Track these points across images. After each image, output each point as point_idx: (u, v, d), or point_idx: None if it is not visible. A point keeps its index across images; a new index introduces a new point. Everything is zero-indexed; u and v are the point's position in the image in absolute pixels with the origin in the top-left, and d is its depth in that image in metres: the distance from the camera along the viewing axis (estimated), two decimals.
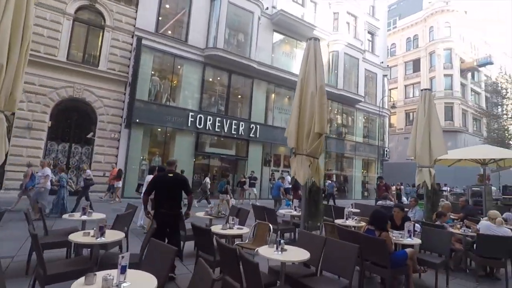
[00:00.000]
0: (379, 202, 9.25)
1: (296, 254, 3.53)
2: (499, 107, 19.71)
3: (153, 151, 14.61)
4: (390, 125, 37.82)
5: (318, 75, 5.22)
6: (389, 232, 4.74)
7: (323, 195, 20.01)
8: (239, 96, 18.11)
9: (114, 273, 2.36)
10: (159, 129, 14.88)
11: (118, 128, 13.17)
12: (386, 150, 26.24)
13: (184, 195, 4.61)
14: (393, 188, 21.34)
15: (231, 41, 16.97)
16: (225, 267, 3.49)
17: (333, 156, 23.26)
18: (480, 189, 9.22)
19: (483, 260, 5.02)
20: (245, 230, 4.85)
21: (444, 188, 15.14)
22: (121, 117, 13.30)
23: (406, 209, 8.55)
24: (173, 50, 14.65)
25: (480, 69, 35.92)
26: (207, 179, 12.91)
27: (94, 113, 12.78)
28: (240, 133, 16.44)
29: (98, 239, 3.52)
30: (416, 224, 6.09)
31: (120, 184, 11.51)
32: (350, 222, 5.89)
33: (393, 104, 26.53)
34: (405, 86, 37.51)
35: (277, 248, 3.50)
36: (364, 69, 24.23)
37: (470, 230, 5.54)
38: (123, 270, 2.37)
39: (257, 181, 15.53)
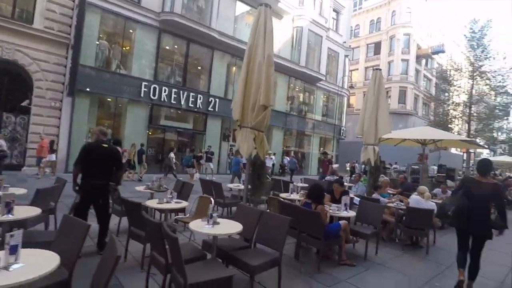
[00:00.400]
0: (327, 178, 9.58)
1: (228, 227, 3.44)
2: (446, 93, 21.16)
3: (101, 123, 13.62)
4: (349, 105, 39.11)
5: (267, 44, 4.98)
6: (328, 206, 4.87)
7: (281, 171, 20.65)
8: (199, 68, 17.37)
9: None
10: (108, 99, 13.83)
11: (60, 96, 11.97)
12: (343, 129, 27.24)
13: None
14: (348, 165, 22.54)
15: (190, 7, 15.95)
16: (152, 242, 3.31)
17: (294, 134, 23.66)
18: (419, 167, 9.91)
19: (409, 231, 5.39)
20: (184, 204, 4.68)
21: (394, 166, 16.13)
22: (63, 84, 12.07)
23: (351, 184, 8.99)
24: (124, 12, 13.36)
25: (433, 56, 37.99)
26: (172, 154, 12.62)
27: (30, 78, 11.40)
28: (198, 106, 15.89)
29: (4, 216, 3.12)
30: (356, 198, 6.38)
31: (53, 157, 10.53)
32: (294, 196, 5.98)
33: (351, 85, 27.21)
34: (366, 68, 38.60)
35: (208, 222, 3.38)
36: (327, 47, 24.37)
37: (402, 204, 5.90)
38: (12, 251, 2.07)
39: (214, 156, 15.31)
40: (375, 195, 6.22)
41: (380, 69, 8.36)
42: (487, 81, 19.02)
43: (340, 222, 4.37)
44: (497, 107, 19.09)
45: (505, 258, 5.32)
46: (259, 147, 4.99)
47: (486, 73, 18.41)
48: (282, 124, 21.34)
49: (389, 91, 35.28)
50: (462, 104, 19.26)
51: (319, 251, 4.35)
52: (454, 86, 19.79)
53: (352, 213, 4.88)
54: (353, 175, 11.61)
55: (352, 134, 34.55)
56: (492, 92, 18.71)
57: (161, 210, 5.04)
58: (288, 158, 20.77)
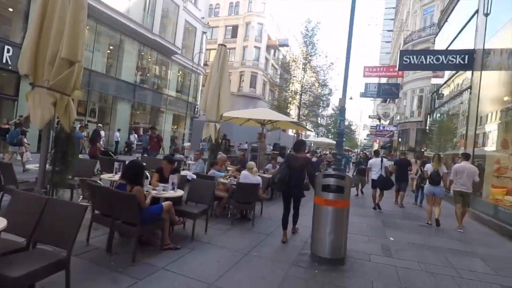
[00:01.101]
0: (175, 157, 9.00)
1: None
2: (285, 81, 24.38)
3: None
4: (204, 84, 39.73)
5: None
6: (152, 186, 4.31)
7: (127, 149, 18.57)
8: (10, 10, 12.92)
9: None
10: None
11: None
12: (197, 107, 27.15)
13: None
14: (201, 144, 22.68)
15: None
16: None
17: (145, 109, 21.72)
18: (257, 145, 10.82)
19: (239, 205, 5.59)
20: None
21: (239, 145, 17.22)
22: None
23: (193, 162, 8.79)
24: None
25: (280, 48, 43.02)
26: None
27: None
28: (6, 61, 11.84)
29: None
30: (193, 176, 6.12)
31: None
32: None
33: (205, 62, 27.18)
34: None
35: None
36: (184, 19, 23.21)
37: (235, 180, 6.05)
38: None
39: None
40: (211, 172, 6.14)
41: (225, 45, 8.27)
42: (314, 74, 23.18)
43: (163, 203, 3.90)
44: (319, 97, 23.75)
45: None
46: (63, 115, 3.83)
47: (314, 67, 22.45)
48: (130, 96, 19.07)
49: (243, 75, 37.82)
50: (295, 92, 22.80)
51: (140, 239, 3.78)
52: (291, 75, 23.10)
53: (180, 192, 4.51)
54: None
55: None
56: (317, 84, 23.09)
57: None
58: (136, 135, 18.93)
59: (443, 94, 13.93)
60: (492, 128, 8.53)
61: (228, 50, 33.88)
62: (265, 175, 8.21)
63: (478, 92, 8.64)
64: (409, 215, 8.02)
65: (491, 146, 8.48)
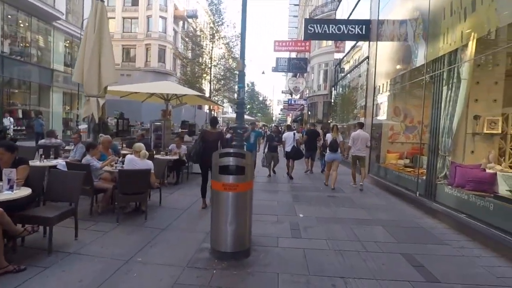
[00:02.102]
0: (41, 141, 7.10)
1: None
2: (197, 55, 22.64)
3: None
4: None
5: None
6: None
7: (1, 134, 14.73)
8: None
9: None
10: None
11: None
12: None
13: None
14: None
15: None
16: None
17: (27, 87, 17.52)
18: (161, 123, 9.49)
19: (126, 197, 4.48)
20: None
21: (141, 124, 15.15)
22: None
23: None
24: None
25: (189, 20, 40.10)
26: None
27: None
28: None
29: None
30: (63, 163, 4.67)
31: None
32: None
33: None
34: (124, 18, 34.97)
35: None
36: None
37: (122, 166, 4.86)
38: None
39: None
40: (85, 159, 4.76)
41: (103, 1, 6.55)
42: (224, 46, 22.02)
43: None
44: (230, 70, 22.87)
45: None
46: None
47: (222, 38, 21.29)
48: None
49: (149, 49, 34.18)
50: (205, 65, 21.34)
51: None
52: (201, 47, 21.50)
53: (23, 191, 3.17)
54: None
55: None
56: (227, 56, 22.06)
57: None
58: (12, 119, 15.16)
59: (344, 68, 14.72)
60: (386, 97, 9.12)
61: (130, 20, 29.83)
62: (167, 157, 7.14)
63: (375, 63, 9.07)
64: (318, 186, 8.09)
65: (385, 114, 9.10)
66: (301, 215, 5.22)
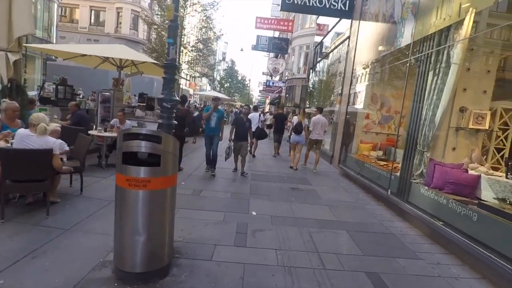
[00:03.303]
0: None
1: None
2: (161, 18, 20.06)
3: None
4: (72, 20, 31.59)
5: None
6: None
7: None
8: None
9: None
10: None
11: None
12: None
13: None
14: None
15: None
16: None
17: None
18: (110, 93, 8.20)
19: (18, 186, 3.39)
20: None
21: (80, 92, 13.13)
22: None
23: None
24: None
25: None
26: None
27: None
28: None
29: None
30: None
31: None
32: None
33: None
34: None
35: None
36: None
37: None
38: None
39: None
40: None
41: None
42: (196, 13, 19.99)
43: None
44: (202, 42, 21.13)
45: None
46: None
47: (195, 4, 19.39)
48: None
49: (121, 13, 31.37)
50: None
51: None
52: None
53: None
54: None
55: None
56: (200, 26, 20.17)
57: None
58: None
59: (324, 52, 13.80)
60: (365, 82, 8.35)
61: None
62: (106, 134, 6.02)
63: (355, 44, 8.19)
64: (282, 174, 7.30)
65: (362, 102, 8.36)
66: (254, 213, 4.38)
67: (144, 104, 9.93)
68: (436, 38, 4.48)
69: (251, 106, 10.42)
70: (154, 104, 10.05)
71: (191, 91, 39.96)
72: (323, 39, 13.64)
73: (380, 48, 6.70)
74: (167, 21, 19.22)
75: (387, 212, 5.01)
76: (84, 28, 31.37)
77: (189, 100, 18.88)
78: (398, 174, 5.16)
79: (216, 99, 7.05)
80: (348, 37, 8.93)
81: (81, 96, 10.57)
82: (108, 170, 5.95)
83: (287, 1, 8.42)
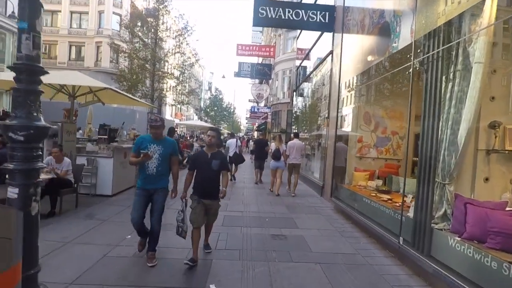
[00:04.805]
0: None
1: None
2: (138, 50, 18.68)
3: None
4: (50, 57, 30.68)
5: None
6: None
7: None
8: None
9: None
10: None
11: None
12: None
13: None
14: None
15: None
16: None
17: None
18: (57, 126, 6.91)
19: None
20: None
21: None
22: None
23: None
24: None
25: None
26: None
27: None
28: None
29: None
30: None
31: None
32: None
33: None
34: (72, 12, 31.45)
35: None
36: None
37: None
38: None
39: None
40: None
41: None
42: (171, 39, 18.83)
43: None
44: (177, 68, 20.09)
45: None
46: None
47: (168, 29, 18.36)
48: None
49: (100, 47, 30.75)
50: (145, 60, 18.19)
51: None
52: (138, 36, 18.25)
53: None
54: None
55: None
56: (174, 51, 19.15)
57: None
58: None
59: (307, 74, 12.98)
60: (353, 101, 7.29)
61: (79, 15, 26.10)
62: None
63: (340, 58, 7.21)
64: (263, 214, 5.89)
65: (352, 123, 7.25)
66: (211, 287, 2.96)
67: (106, 136, 8.58)
68: (447, 31, 3.40)
69: (224, 132, 9.79)
70: (116, 135, 8.72)
71: (177, 121, 38.82)
72: (305, 58, 12.84)
73: (370, 58, 5.66)
74: (137, 44, 17.88)
75: (401, 271, 3.64)
76: (63, 63, 30.56)
77: (176, 131, 17.51)
78: (410, 214, 3.86)
79: (157, 121, 3.55)
80: (331, 52, 7.98)
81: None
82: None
83: (259, 15, 7.49)
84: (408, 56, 4.14)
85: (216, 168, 3.60)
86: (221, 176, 3.72)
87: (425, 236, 3.47)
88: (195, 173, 3.66)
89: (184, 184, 3.65)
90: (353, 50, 6.57)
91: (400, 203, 4.56)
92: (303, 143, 8.72)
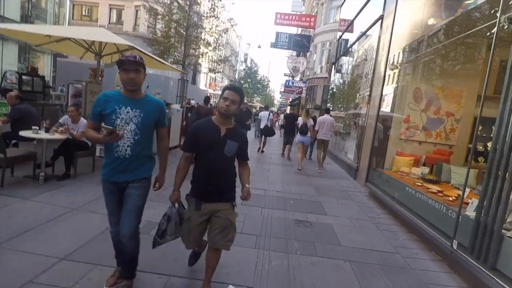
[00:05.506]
0: None
1: None
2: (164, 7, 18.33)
3: None
4: (92, 19, 31.31)
5: None
6: None
7: None
8: None
9: None
10: None
11: None
12: None
13: None
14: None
15: None
16: None
17: None
18: (81, 85, 6.73)
19: None
20: None
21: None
22: None
23: None
24: None
25: None
26: None
27: None
28: None
29: None
30: None
31: None
32: None
33: None
34: None
35: None
36: None
37: None
38: None
39: None
40: None
41: None
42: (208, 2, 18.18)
43: None
44: (210, 33, 19.34)
45: None
46: None
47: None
48: None
49: (139, 11, 30.71)
50: (178, 23, 17.61)
51: None
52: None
53: None
54: None
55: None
56: (207, 15, 18.39)
57: None
58: None
59: (347, 41, 11.73)
60: (403, 75, 6.29)
61: None
62: (46, 136, 4.43)
63: (392, 25, 6.14)
64: (288, 195, 5.36)
65: (398, 100, 6.29)
66: (231, 287, 2.52)
67: None
68: None
69: (257, 106, 9.36)
70: None
71: (210, 91, 38.62)
72: (347, 28, 11.56)
73: (432, 21, 4.64)
74: (173, 5, 17.28)
75: (453, 281, 2.98)
76: (103, 26, 31.06)
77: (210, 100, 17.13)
78: (471, 214, 3.12)
79: (135, 57, 1.99)
80: (381, 17, 6.88)
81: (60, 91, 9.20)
82: (45, 185, 4.33)
83: None
84: (492, 12, 3.17)
85: (231, 153, 2.16)
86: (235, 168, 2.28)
87: (490, 243, 2.74)
88: (194, 158, 2.22)
89: (176, 175, 2.21)
90: (410, 13, 5.50)
91: (453, 198, 3.83)
92: (333, 119, 8.57)
